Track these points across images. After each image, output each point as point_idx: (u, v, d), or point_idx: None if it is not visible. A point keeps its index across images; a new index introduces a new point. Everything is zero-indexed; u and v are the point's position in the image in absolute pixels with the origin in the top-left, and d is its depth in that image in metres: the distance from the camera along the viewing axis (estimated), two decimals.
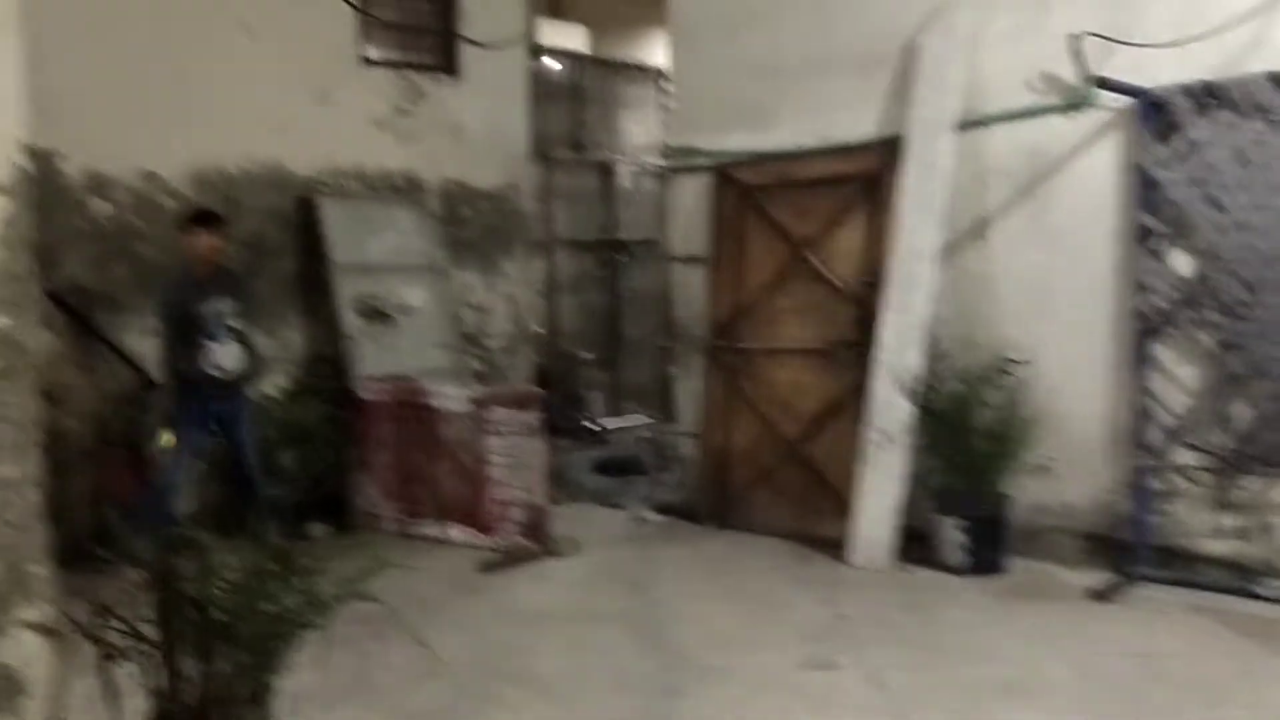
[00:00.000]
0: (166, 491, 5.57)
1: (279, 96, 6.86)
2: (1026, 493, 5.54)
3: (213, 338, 5.55)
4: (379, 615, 3.13)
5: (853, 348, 6.05)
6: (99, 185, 6.17)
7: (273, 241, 6.91)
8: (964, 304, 5.79)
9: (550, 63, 9.75)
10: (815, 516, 6.14)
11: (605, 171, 10.23)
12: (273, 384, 6.76)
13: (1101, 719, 3.66)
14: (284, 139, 6.88)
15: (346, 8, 7.18)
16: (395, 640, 4.05)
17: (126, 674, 2.86)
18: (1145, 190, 5.13)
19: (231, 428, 5.75)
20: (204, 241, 5.57)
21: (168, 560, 2.98)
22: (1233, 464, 4.94)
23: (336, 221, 6.99)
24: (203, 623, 2.93)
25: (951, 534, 5.39)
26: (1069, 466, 5.46)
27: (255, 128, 6.76)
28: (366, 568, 3.11)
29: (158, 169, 6.40)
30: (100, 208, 6.21)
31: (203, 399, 5.60)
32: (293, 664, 3.07)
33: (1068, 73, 5.28)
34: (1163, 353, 5.19)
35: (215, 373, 5.56)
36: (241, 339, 5.68)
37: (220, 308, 5.59)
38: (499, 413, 6.12)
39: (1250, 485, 4.93)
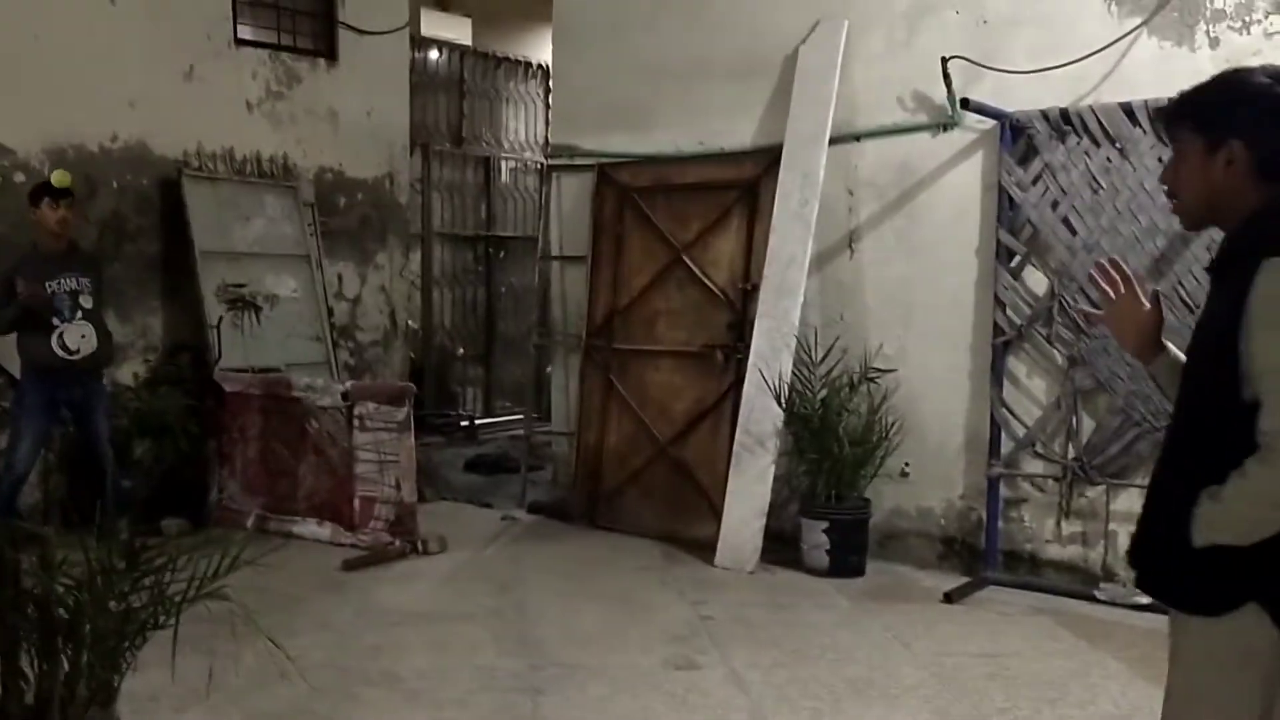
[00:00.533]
0: (9, 482, 5.30)
1: (144, 72, 6.59)
2: (887, 497, 5.74)
3: (62, 317, 5.31)
4: (234, 614, 3.03)
5: (726, 352, 6.15)
6: None
7: (133, 223, 6.64)
8: (833, 312, 5.94)
9: (433, 53, 9.62)
10: (684, 517, 6.21)
11: (485, 166, 10.15)
12: (129, 371, 6.51)
13: (946, 716, 3.81)
14: (148, 117, 6.61)
15: None
16: (250, 640, 3.92)
17: None
18: (1005, 209, 5.36)
19: (84, 415, 5.52)
20: (53, 215, 5.33)
21: (7, 554, 2.84)
22: (1077, 473, 5.20)
23: (202, 205, 6.75)
24: (44, 620, 2.81)
25: (814, 537, 5.53)
26: (927, 472, 5.67)
27: (117, 104, 6.48)
28: (221, 565, 3.02)
29: (9, 143, 6.08)
30: None
31: (51, 383, 5.35)
32: (140, 664, 2.96)
33: (937, 93, 5.48)
34: (1016, 365, 5.43)
35: (65, 355, 5.32)
36: (94, 320, 5.44)
37: (70, 286, 5.35)
38: (368, 407, 6.01)
39: (1092, 494, 5.21)
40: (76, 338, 5.35)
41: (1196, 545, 1.87)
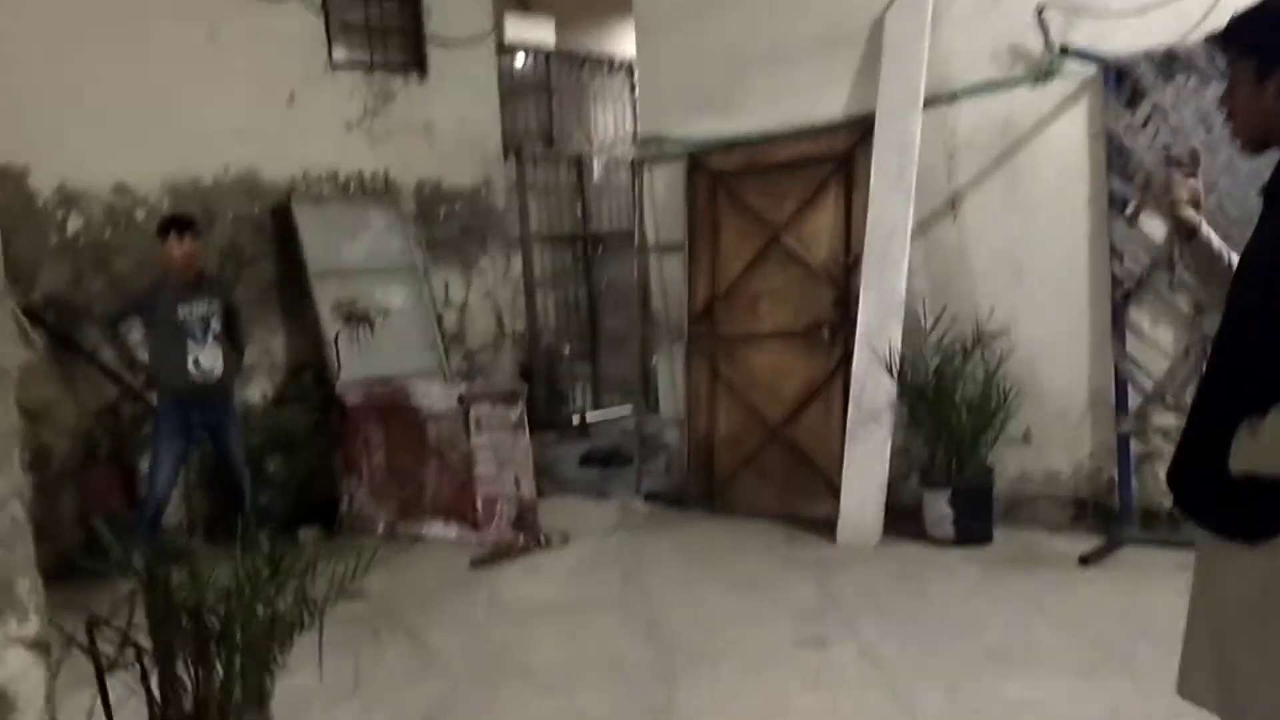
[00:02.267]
0: (153, 504, 5.56)
1: (248, 102, 6.83)
2: (1010, 463, 5.60)
3: (194, 340, 5.58)
4: (373, 615, 3.14)
5: (832, 328, 6.08)
6: (71, 199, 6.14)
7: (249, 249, 6.89)
8: (940, 279, 5.83)
9: (519, 58, 9.74)
10: (802, 497, 6.17)
11: (578, 165, 10.22)
12: (258, 391, 6.77)
13: (1092, 680, 3.70)
14: (255, 145, 6.86)
15: (312, 12, 7.16)
16: (390, 640, 4.07)
17: (121, 685, 2.86)
18: (1115, 157, 5.18)
19: (219, 434, 5.77)
20: (179, 248, 5.58)
21: (158, 568, 2.99)
22: None
23: (311, 226, 6.98)
24: (196, 629, 2.94)
25: (938, 507, 5.43)
26: (1051, 434, 5.52)
27: (225, 135, 6.73)
28: (357, 567, 3.13)
29: (129, 180, 6.37)
30: (73, 222, 6.18)
31: (185, 405, 5.60)
32: (290, 667, 3.08)
33: (1033, 44, 5.32)
34: (1139, 317, 5.24)
35: (198, 376, 5.58)
36: (223, 342, 5.69)
37: (200, 311, 5.61)
38: (483, 409, 6.13)
39: None
40: (211, 359, 5.61)
41: (1233, 474, 1.87)
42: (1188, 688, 2.07)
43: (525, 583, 5.42)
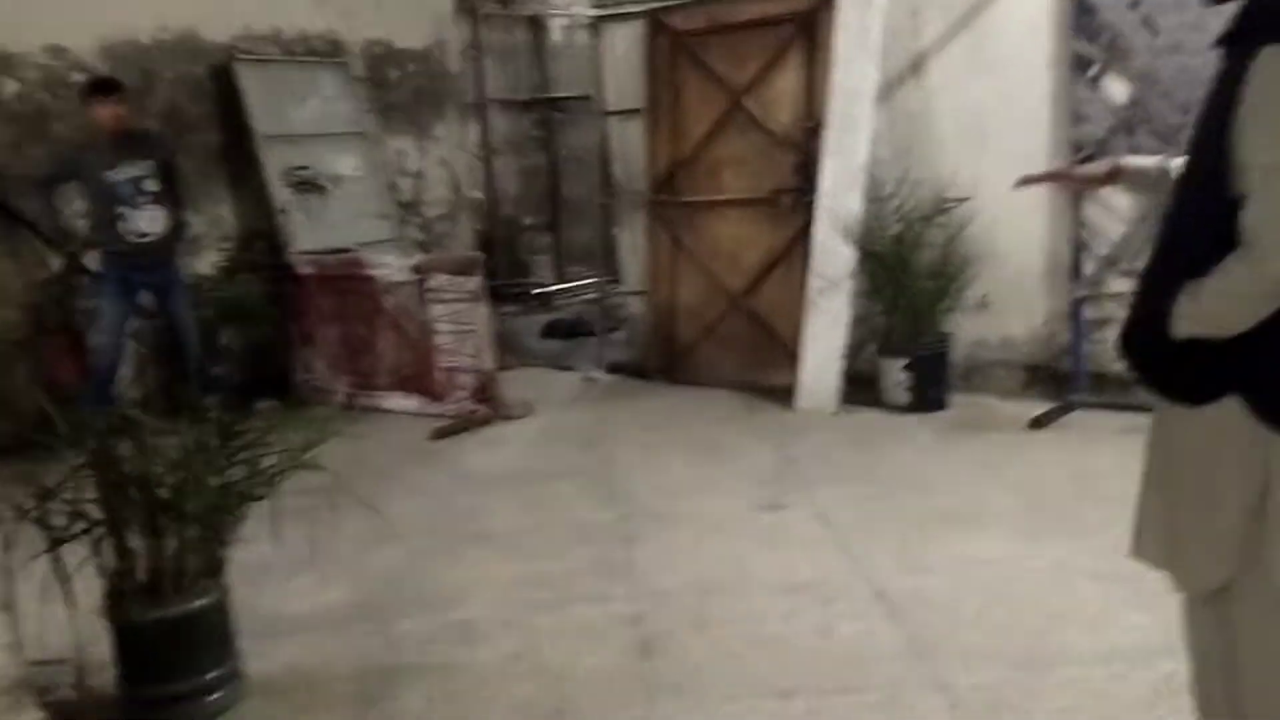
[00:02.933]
0: (105, 373, 5.51)
1: None
2: (967, 329, 5.63)
3: (130, 204, 5.44)
4: (332, 485, 3.13)
5: (794, 195, 6.01)
6: (3, 63, 5.85)
7: (191, 114, 6.64)
8: (903, 144, 5.74)
9: None
10: (762, 366, 6.20)
11: (536, 26, 9.88)
12: (207, 262, 6.62)
13: (1038, 540, 3.80)
14: (193, 3, 6.54)
15: None
16: (350, 509, 4.07)
17: (76, 557, 2.85)
18: (1081, 15, 5.06)
19: (163, 298, 5.70)
20: (104, 111, 5.41)
21: (108, 440, 2.95)
22: None
23: (257, 89, 6.72)
24: (147, 500, 2.92)
25: (895, 374, 5.48)
26: (1008, 301, 5.55)
27: None
28: (314, 437, 3.11)
29: (65, 42, 6.08)
30: (8, 87, 5.91)
31: (126, 270, 5.51)
32: (248, 537, 3.08)
33: None
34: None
35: (134, 239, 5.47)
36: (162, 202, 5.55)
37: (131, 173, 5.46)
38: (441, 280, 6.04)
39: None
40: (147, 222, 5.48)
41: (1176, 337, 1.87)
42: (1139, 547, 2.11)
43: (486, 453, 5.44)
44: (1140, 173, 2.22)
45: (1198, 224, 1.88)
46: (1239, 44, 1.82)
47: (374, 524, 3.87)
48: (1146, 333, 1.98)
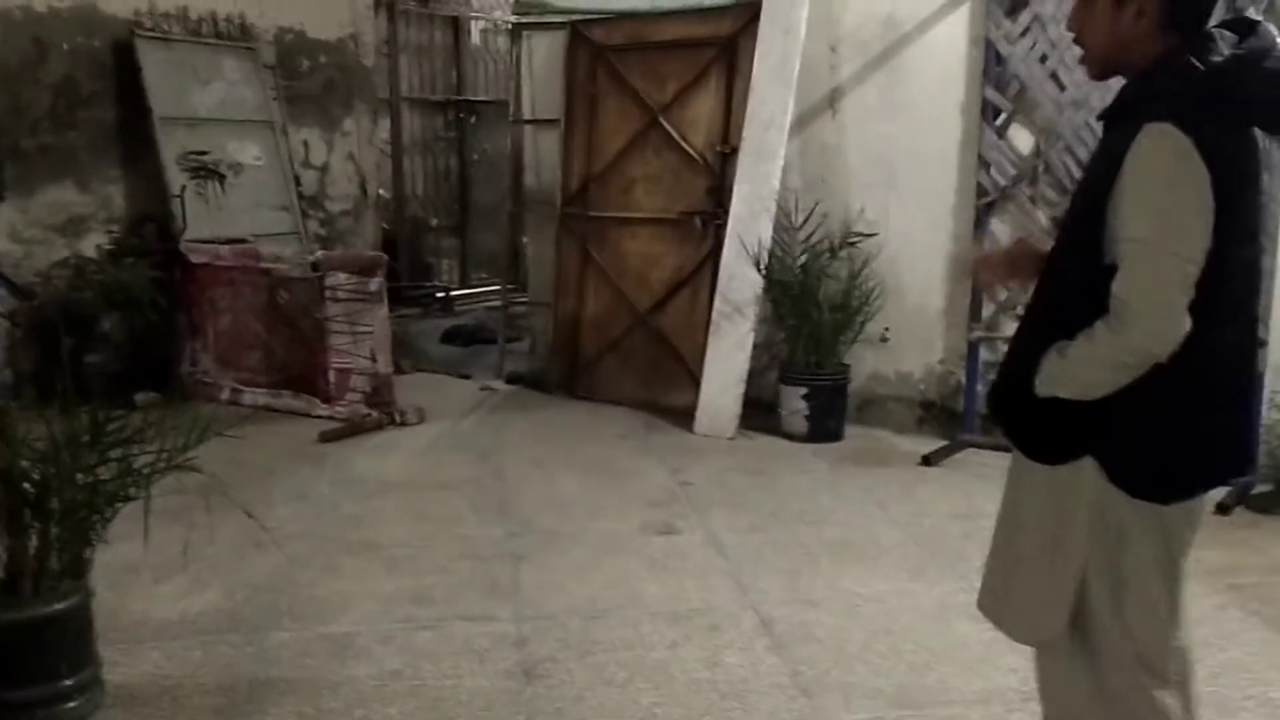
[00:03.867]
0: None
1: None
2: (867, 362, 5.72)
3: None
4: (209, 487, 2.99)
5: (704, 217, 6.02)
6: None
7: (86, 88, 6.34)
8: (815, 175, 5.81)
9: None
10: (663, 386, 6.19)
11: (454, 26, 9.76)
12: (91, 243, 6.33)
13: (925, 576, 3.85)
14: None
15: None
16: (227, 512, 3.90)
17: None
18: (992, 64, 5.19)
19: None
20: None
21: None
22: None
23: (158, 68, 6.45)
24: (9, 494, 2.75)
25: (794, 403, 5.52)
26: (908, 337, 5.64)
27: None
28: (191, 437, 2.96)
29: None
30: None
31: None
32: (116, 537, 2.92)
33: None
34: (1000, 227, 5.34)
35: None
36: None
37: None
38: (339, 278, 5.88)
39: None
40: None
41: (1039, 395, 1.92)
42: (982, 600, 2.16)
43: (376, 459, 5.30)
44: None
45: (1069, 289, 1.93)
46: (1121, 119, 1.89)
47: (252, 529, 3.71)
48: (1013, 390, 2.02)
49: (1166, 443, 1.89)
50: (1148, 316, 1.78)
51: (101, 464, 2.86)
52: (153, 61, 6.43)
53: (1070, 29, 2.03)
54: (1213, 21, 1.88)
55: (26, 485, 2.77)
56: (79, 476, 2.80)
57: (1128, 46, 1.90)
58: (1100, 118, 2.00)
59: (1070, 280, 1.93)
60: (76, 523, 2.81)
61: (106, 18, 6.38)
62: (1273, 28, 1.88)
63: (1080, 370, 1.86)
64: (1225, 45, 1.84)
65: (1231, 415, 1.97)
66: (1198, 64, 1.80)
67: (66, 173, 6.24)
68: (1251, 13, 1.98)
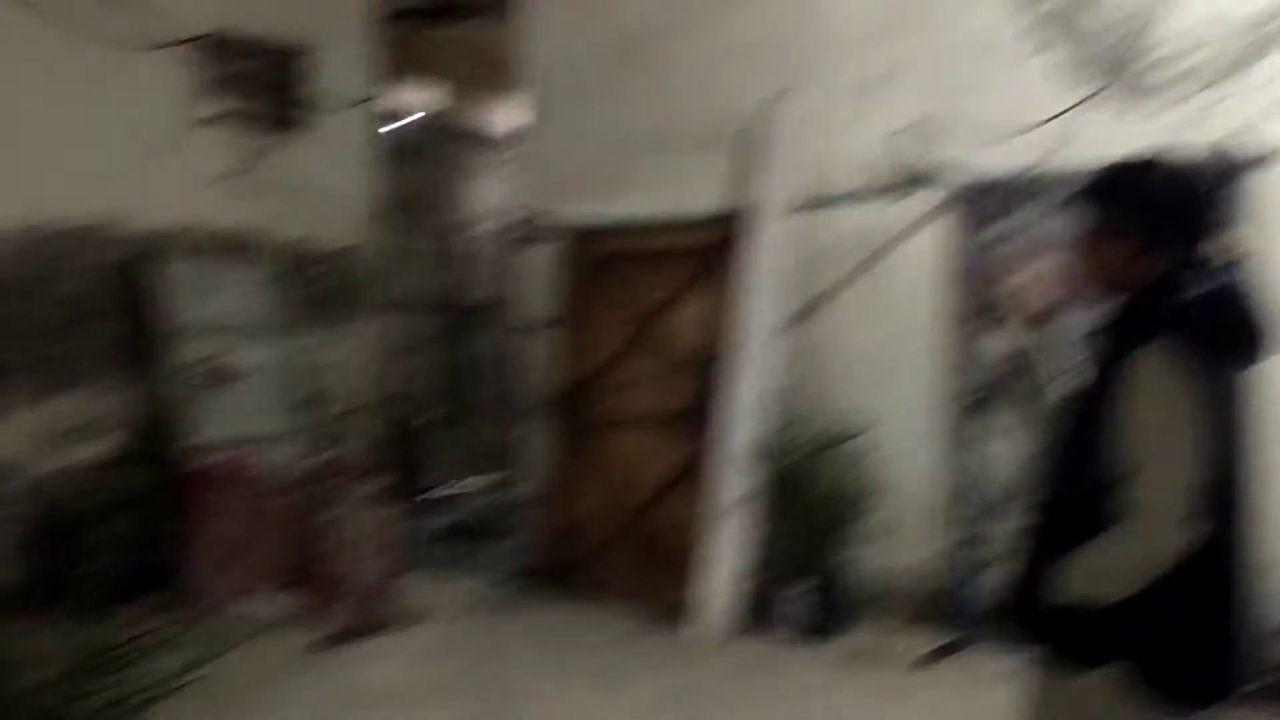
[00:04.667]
0: None
1: (108, 153, 6.56)
2: (865, 559, 5.75)
3: None
4: (209, 698, 2.99)
5: (694, 419, 6.17)
6: None
7: (96, 302, 6.57)
8: (803, 376, 6.00)
9: (396, 123, 9.70)
10: (659, 584, 6.18)
11: (451, 234, 10.19)
12: (94, 451, 6.41)
13: None
14: (111, 196, 6.58)
15: (178, 63, 6.98)
16: None
17: None
18: (966, 274, 5.47)
19: None
20: None
21: None
22: None
23: (169, 281, 6.72)
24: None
25: (792, 601, 5.53)
26: (903, 533, 5.70)
27: (79, 185, 6.44)
28: (199, 652, 2.98)
29: None
30: None
31: None
32: None
33: (898, 160, 5.61)
34: (984, 427, 5.50)
35: None
36: None
37: None
38: (339, 480, 5.96)
39: None
40: None
41: (1063, 600, 1.99)
42: None
43: (372, 665, 5.24)
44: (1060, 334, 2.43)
45: (1080, 492, 2.02)
46: (1114, 340, 2.04)
47: None
48: (1031, 596, 2.08)
49: (1199, 641, 1.96)
50: (1161, 519, 1.89)
51: (100, 692, 2.85)
52: (164, 275, 6.70)
53: (1074, 252, 2.18)
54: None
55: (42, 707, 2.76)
56: (95, 695, 2.80)
57: (1120, 279, 2.10)
58: (1090, 335, 2.15)
59: (1082, 486, 2.03)
60: None
61: (124, 237, 6.68)
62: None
63: (1103, 571, 1.95)
64: (1206, 275, 2.03)
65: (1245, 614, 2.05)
66: (1183, 291, 2.00)
67: (74, 382, 6.39)
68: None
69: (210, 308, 6.94)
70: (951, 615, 5.52)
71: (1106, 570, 1.95)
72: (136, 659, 2.92)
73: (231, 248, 7.27)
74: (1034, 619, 2.11)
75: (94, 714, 2.78)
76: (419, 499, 9.17)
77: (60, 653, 2.82)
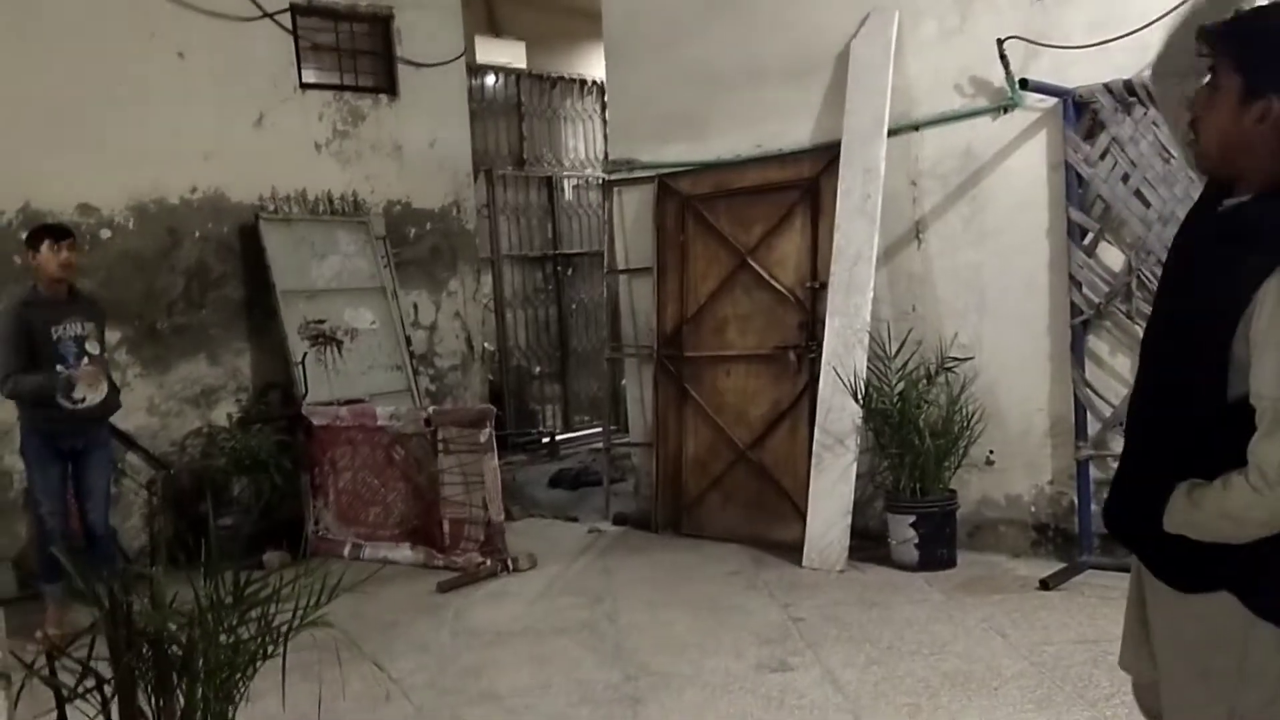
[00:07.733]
0: (47, 542, 4.95)
1: (216, 123, 6.83)
2: (973, 487, 5.67)
3: (67, 364, 4.95)
4: (337, 641, 3.13)
5: (798, 353, 6.14)
6: (34, 220, 6.06)
7: (216, 270, 6.88)
8: (905, 305, 5.90)
9: (490, 79, 9.78)
10: (768, 521, 6.21)
11: (548, 186, 10.27)
12: (223, 412, 6.74)
13: (1050, 706, 3.75)
14: (223, 165, 6.86)
15: (281, 32, 7.16)
16: (355, 665, 4.05)
17: (81, 715, 2.84)
18: (1074, 187, 5.27)
19: (83, 465, 5.13)
20: (54, 259, 4.98)
21: (119, 597, 2.97)
22: None
23: (280, 246, 6.97)
24: (158, 658, 2.93)
25: (902, 531, 5.49)
26: (1013, 459, 5.59)
27: (193, 155, 6.73)
28: (321, 594, 3.12)
29: (94, 201, 6.35)
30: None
31: (54, 435, 5.02)
32: (253, 694, 3.07)
33: (994, 75, 5.42)
34: (1098, 344, 5.33)
35: (69, 404, 4.93)
36: (101, 366, 5.14)
37: (75, 330, 5.02)
38: (450, 431, 6.13)
39: None
40: (84, 387, 4.97)
41: (1167, 530, 1.84)
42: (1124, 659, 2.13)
43: (492, 607, 5.42)
44: None
45: (1191, 421, 1.84)
46: (1244, 246, 1.75)
47: (380, 681, 3.85)
48: (1134, 516, 1.95)
49: None
50: None
51: (242, 624, 3.03)
52: (275, 241, 6.96)
53: (1192, 112, 1.86)
54: None
55: (174, 648, 2.94)
56: (222, 638, 2.97)
57: (1245, 152, 1.76)
58: (1218, 238, 1.82)
59: (1190, 410, 1.83)
60: (221, 682, 2.96)
61: (233, 205, 6.95)
62: None
63: (1214, 522, 1.79)
64: None
65: None
66: None
67: (199, 349, 6.72)
68: None
69: (322, 270, 7.18)
70: (1067, 540, 5.40)
71: (1221, 521, 1.78)
72: (265, 601, 3.08)
73: (337, 211, 7.49)
74: (1138, 538, 2.01)
75: (229, 651, 2.94)
76: (530, 446, 9.37)
77: (199, 599, 2.99)
